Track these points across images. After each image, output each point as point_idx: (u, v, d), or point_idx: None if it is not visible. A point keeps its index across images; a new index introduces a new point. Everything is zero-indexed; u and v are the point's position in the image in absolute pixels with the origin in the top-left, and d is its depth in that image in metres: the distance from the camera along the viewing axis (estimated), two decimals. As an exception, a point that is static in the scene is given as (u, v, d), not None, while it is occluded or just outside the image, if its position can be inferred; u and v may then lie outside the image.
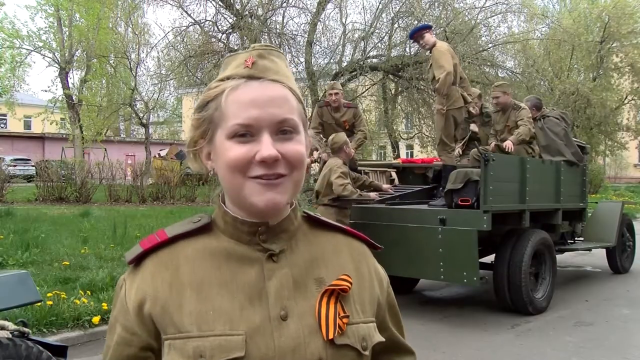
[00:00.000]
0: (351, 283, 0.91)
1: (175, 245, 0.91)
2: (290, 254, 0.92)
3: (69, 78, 25.37)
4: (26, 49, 25.14)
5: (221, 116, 0.88)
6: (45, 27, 25.36)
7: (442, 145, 6.41)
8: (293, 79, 0.93)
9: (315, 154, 6.15)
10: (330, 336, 0.85)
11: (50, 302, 4.85)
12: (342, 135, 5.92)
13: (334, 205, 5.67)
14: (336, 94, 6.69)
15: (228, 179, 0.87)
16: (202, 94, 0.93)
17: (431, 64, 6.33)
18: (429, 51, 6.46)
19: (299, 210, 0.98)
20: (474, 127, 7.22)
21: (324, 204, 5.69)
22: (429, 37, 6.32)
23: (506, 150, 6.41)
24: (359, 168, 6.85)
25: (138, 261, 0.91)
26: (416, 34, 6.42)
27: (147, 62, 50.65)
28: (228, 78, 0.89)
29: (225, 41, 18.88)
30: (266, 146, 0.84)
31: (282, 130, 0.86)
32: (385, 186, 6.60)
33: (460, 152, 7.10)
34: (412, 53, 18.89)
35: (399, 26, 19.88)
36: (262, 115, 0.85)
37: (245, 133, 0.85)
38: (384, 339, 0.94)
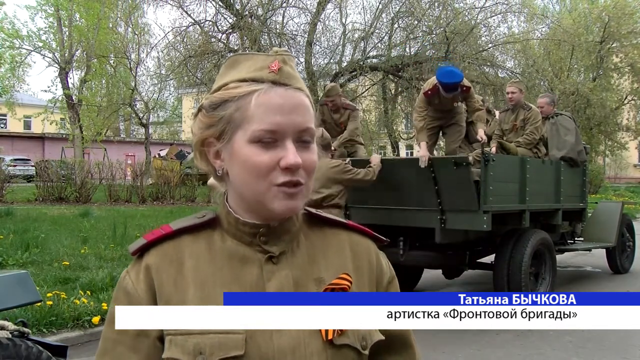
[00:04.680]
0: (351, 282, 0.91)
1: (180, 239, 0.92)
2: (291, 255, 0.92)
3: (68, 78, 25.30)
4: (26, 49, 25.11)
5: (243, 118, 0.87)
6: (45, 27, 25.31)
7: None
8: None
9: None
10: (330, 337, 0.86)
11: (50, 302, 4.84)
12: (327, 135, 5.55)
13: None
14: (331, 101, 6.69)
15: (249, 183, 0.87)
16: (219, 91, 0.90)
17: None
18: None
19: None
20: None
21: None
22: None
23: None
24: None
25: (141, 253, 0.91)
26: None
27: (147, 62, 50.47)
28: (253, 80, 0.88)
29: (225, 41, 18.90)
30: (292, 153, 0.85)
31: (303, 139, 0.88)
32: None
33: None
34: (412, 53, 18.88)
35: (399, 26, 19.89)
36: (287, 122, 0.86)
37: (270, 139, 0.86)
38: (383, 337, 0.93)
